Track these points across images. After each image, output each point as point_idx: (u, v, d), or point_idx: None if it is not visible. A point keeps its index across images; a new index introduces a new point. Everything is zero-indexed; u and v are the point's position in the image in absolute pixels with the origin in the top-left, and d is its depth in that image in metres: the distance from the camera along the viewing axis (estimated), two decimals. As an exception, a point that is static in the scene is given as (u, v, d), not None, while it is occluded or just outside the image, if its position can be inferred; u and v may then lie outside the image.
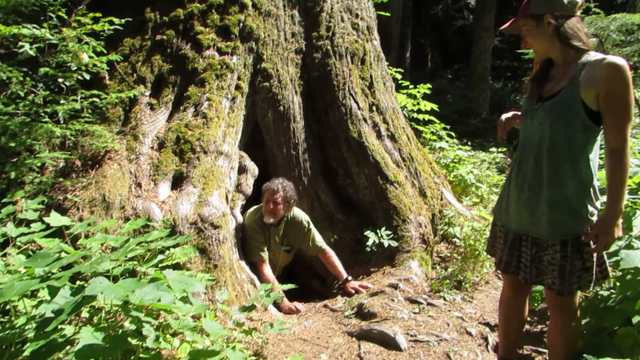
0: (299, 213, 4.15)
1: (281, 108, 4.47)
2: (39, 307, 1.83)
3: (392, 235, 4.33)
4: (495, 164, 7.80)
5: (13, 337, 1.75)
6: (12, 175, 3.12)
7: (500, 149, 8.44)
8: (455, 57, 20.75)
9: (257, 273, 3.85)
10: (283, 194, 3.88)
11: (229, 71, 4.25)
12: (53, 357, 1.65)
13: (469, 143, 9.19)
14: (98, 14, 3.62)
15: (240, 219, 3.96)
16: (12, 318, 2.05)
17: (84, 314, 2.41)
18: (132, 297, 1.71)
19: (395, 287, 3.87)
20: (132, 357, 2.05)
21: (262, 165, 4.48)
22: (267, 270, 3.90)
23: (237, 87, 4.31)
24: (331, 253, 4.19)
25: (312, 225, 4.16)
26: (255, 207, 4.07)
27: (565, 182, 2.14)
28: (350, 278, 4.08)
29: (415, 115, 6.98)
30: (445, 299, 3.79)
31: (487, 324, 3.46)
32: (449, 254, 4.58)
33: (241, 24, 4.39)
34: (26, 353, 1.80)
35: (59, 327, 2.15)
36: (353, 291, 3.95)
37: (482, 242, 4.24)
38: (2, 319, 2.29)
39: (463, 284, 4.05)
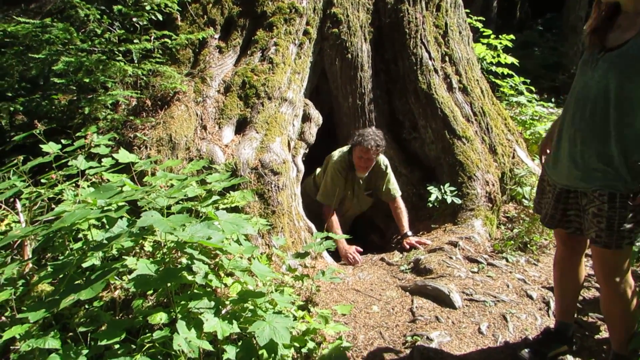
0: (380, 156, 4.12)
1: (349, 56, 4.39)
2: (97, 235, 1.95)
3: (456, 192, 4.22)
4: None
5: (74, 261, 1.89)
6: (87, 110, 3.30)
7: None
8: (547, 5, 19.28)
9: (318, 218, 3.92)
10: (376, 150, 3.87)
11: (297, 15, 4.20)
12: (109, 278, 1.77)
13: (553, 99, 8.65)
14: (171, -46, 3.67)
15: (301, 167, 4.00)
16: (77, 247, 2.21)
17: (147, 247, 2.56)
18: (181, 233, 1.79)
19: (454, 244, 3.81)
20: (188, 292, 2.17)
21: (327, 114, 4.47)
22: (334, 216, 4.00)
23: (305, 33, 4.26)
24: (401, 204, 4.18)
25: (389, 170, 4.16)
26: (345, 150, 4.07)
27: (621, 137, 2.01)
28: (410, 233, 4.05)
29: (493, 68, 6.62)
30: (507, 260, 3.68)
31: (551, 289, 3.33)
32: (516, 215, 4.42)
33: (312, -34, 4.29)
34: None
35: (123, 257, 2.31)
36: (409, 247, 3.93)
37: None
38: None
39: (529, 246, 3.91)
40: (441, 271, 3.43)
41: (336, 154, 4.07)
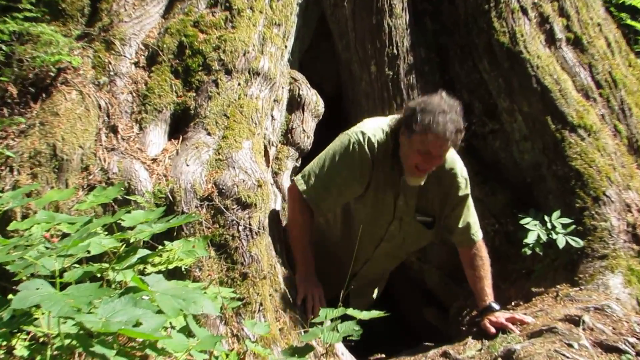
0: (452, 156, 3.93)
1: (368, -10, 4.51)
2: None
3: (573, 226, 4.27)
4: None
5: None
6: None
7: None
8: None
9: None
10: (455, 139, 3.58)
11: None
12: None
13: None
14: None
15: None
16: None
17: (20, 350, 2.60)
18: (87, 317, 1.83)
19: (576, 322, 3.83)
20: None
21: (332, 96, 4.54)
22: (308, 221, 3.85)
23: (287, -47, 4.38)
24: (484, 253, 4.06)
25: (469, 187, 3.98)
26: (385, 127, 3.81)
27: None
28: (496, 306, 4.08)
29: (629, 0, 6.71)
30: (673, 347, 3.71)
31: None
32: (683, 264, 4.45)
33: None
34: None
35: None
36: (493, 329, 3.96)
37: None
38: None
39: None
40: (554, 370, 3.46)
41: (367, 126, 3.82)
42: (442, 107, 3.49)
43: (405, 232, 4.02)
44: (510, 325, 3.92)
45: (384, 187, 3.81)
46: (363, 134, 3.70)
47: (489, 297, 4.02)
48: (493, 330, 3.92)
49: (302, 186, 3.76)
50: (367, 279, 4.06)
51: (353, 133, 3.73)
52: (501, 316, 3.97)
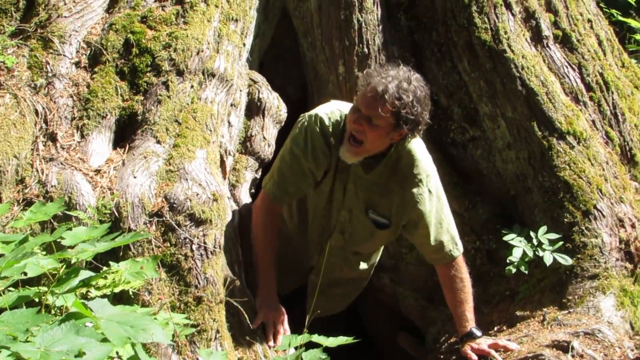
0: (418, 154, 3.86)
1: (334, -20, 4.55)
2: None
3: (561, 242, 4.32)
4: None
5: None
6: None
7: None
8: None
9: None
10: (389, 115, 3.42)
11: None
12: None
13: None
14: None
15: (248, 208, 4.08)
16: None
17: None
18: (24, 347, 1.85)
19: (564, 348, 3.89)
20: None
21: (295, 99, 4.57)
22: (273, 223, 3.92)
23: (245, -61, 4.42)
24: (462, 267, 4.05)
25: (441, 197, 3.97)
26: (341, 104, 3.88)
27: None
28: (478, 332, 4.11)
29: (620, -7, 6.82)
30: (668, 373, 3.78)
31: None
32: (681, 283, 4.53)
33: None
34: None
35: None
36: (475, 357, 4.00)
37: None
38: None
39: None
40: (541, 402, 3.51)
41: (322, 108, 3.89)
42: (394, 74, 3.48)
43: (355, 226, 4.02)
44: (493, 352, 3.96)
45: (339, 173, 3.82)
46: (316, 116, 3.75)
47: (470, 323, 4.05)
48: (474, 358, 3.95)
49: (267, 185, 3.87)
50: (328, 277, 3.96)
51: (306, 115, 3.79)
52: (483, 343, 4.01)
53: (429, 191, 3.85)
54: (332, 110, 3.77)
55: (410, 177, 3.79)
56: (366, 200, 3.90)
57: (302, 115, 3.86)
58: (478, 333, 4.04)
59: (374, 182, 3.80)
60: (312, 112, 3.78)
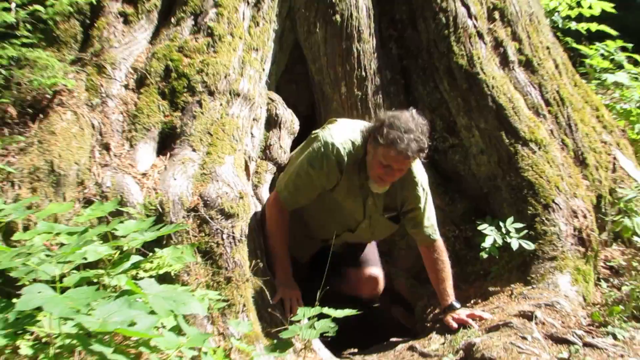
0: (416, 167, 3.91)
1: (337, 18, 4.54)
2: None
3: (525, 231, 4.32)
4: None
5: None
6: None
7: None
8: None
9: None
10: (413, 159, 3.62)
11: (250, -43, 4.37)
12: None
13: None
14: None
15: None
16: None
17: (25, 349, 2.61)
18: (86, 318, 1.86)
19: (529, 317, 3.88)
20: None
21: (306, 115, 4.58)
22: (284, 223, 3.90)
23: (264, -16, 4.42)
24: (443, 254, 4.09)
25: (427, 191, 3.99)
26: (355, 126, 3.86)
27: None
28: (457, 304, 4.11)
29: (573, 25, 6.78)
30: (615, 337, 3.76)
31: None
32: (624, 263, 4.51)
33: None
34: None
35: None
36: (456, 324, 4.00)
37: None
38: None
39: (649, 313, 4.01)
40: (510, 361, 3.50)
41: (338, 133, 3.81)
42: (408, 126, 3.50)
43: (374, 227, 4.08)
44: (470, 321, 3.96)
45: (354, 189, 3.85)
46: (333, 145, 3.71)
47: (451, 297, 4.07)
48: (455, 325, 3.96)
49: (282, 192, 3.84)
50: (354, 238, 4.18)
51: (324, 143, 3.74)
52: (462, 313, 4.02)
53: (423, 189, 3.90)
54: (345, 140, 3.74)
55: (409, 180, 3.83)
56: (381, 206, 3.95)
57: (315, 132, 3.88)
58: (457, 305, 4.06)
59: (386, 192, 3.82)
60: (330, 139, 3.73)
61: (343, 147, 3.71)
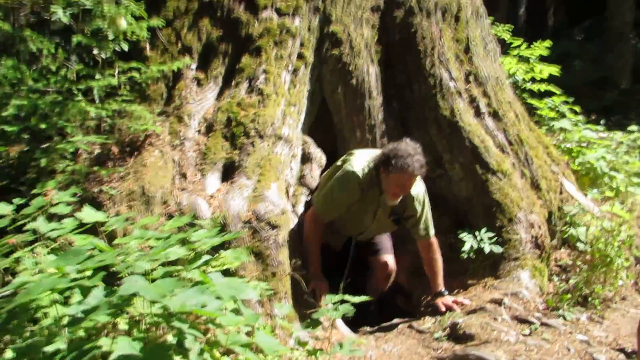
0: (416, 182, 3.83)
1: (354, 81, 4.53)
2: (69, 308, 2.00)
3: (495, 238, 4.27)
4: (637, 147, 7.41)
5: (42, 344, 1.93)
6: (43, 162, 3.39)
7: (645, 128, 8.02)
8: (586, 11, 19.85)
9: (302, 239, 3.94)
10: (422, 173, 3.67)
11: (289, 37, 4.37)
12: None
13: (602, 122, 8.79)
14: (137, -26, 3.84)
15: (303, 218, 4.07)
16: (43, 325, 2.24)
17: (122, 325, 2.60)
18: (171, 301, 1.83)
19: (499, 303, 3.84)
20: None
21: (330, 151, 4.56)
22: (319, 233, 3.92)
23: (300, 57, 4.42)
24: (436, 248, 4.07)
25: (426, 197, 3.96)
26: (370, 164, 3.80)
27: None
28: (445, 292, 4.07)
29: (528, 85, 6.77)
30: (565, 319, 3.70)
31: (622, 350, 3.35)
32: (570, 262, 4.45)
33: (304, -22, 4.50)
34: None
35: (94, 338, 2.34)
36: (444, 308, 3.94)
37: (615, 246, 4.09)
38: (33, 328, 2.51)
39: (590, 299, 3.94)
40: (485, 336, 3.44)
41: (357, 164, 3.82)
42: (408, 151, 3.57)
43: (379, 228, 4.12)
44: (454, 305, 3.93)
45: (369, 202, 3.88)
46: (354, 173, 3.76)
47: (441, 286, 4.08)
48: (443, 308, 3.96)
49: (318, 209, 3.90)
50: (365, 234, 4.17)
51: (347, 172, 3.80)
52: (448, 299, 4.03)
53: (419, 201, 3.90)
54: (363, 167, 3.79)
55: (410, 195, 3.84)
56: (387, 213, 3.96)
57: (340, 161, 3.97)
58: (445, 292, 4.06)
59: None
60: (351, 169, 3.78)
61: (362, 172, 3.76)
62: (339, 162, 4.00)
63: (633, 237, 4.30)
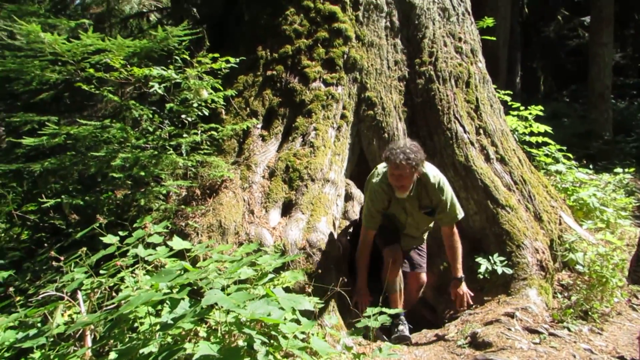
0: (428, 169, 3.65)
1: (385, 135, 4.48)
2: (161, 317, 1.96)
3: (505, 262, 4.09)
4: (623, 187, 7.12)
5: (138, 347, 1.89)
6: (142, 202, 3.43)
7: (627, 170, 7.70)
8: (571, 77, 19.53)
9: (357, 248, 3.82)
10: (409, 169, 3.38)
11: (334, 101, 4.37)
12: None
13: (591, 166, 8.50)
14: (216, 54, 3.94)
15: (347, 245, 3.99)
16: (140, 332, 2.22)
17: (202, 333, 2.55)
18: (243, 310, 1.79)
19: (511, 316, 3.65)
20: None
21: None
22: (368, 248, 3.76)
23: (343, 116, 4.41)
24: (458, 241, 3.84)
25: (447, 187, 3.69)
26: (382, 165, 3.70)
27: None
28: (462, 277, 3.85)
29: (527, 138, 6.62)
30: (569, 330, 3.48)
31: (622, 358, 3.12)
32: (571, 282, 4.22)
33: (345, 56, 4.52)
34: (151, 362, 1.93)
35: (179, 343, 2.30)
36: (456, 294, 3.81)
37: (610, 268, 3.86)
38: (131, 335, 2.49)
39: (590, 314, 3.71)
40: (501, 344, 3.26)
41: (374, 172, 3.76)
42: (399, 146, 3.43)
43: (417, 221, 3.85)
44: (464, 298, 3.86)
45: (398, 201, 3.69)
46: (371, 181, 3.73)
47: (459, 271, 3.86)
48: (458, 293, 3.87)
49: (364, 222, 3.76)
50: (410, 235, 3.94)
51: (371, 182, 3.72)
52: (463, 286, 3.86)
53: (441, 189, 3.66)
54: (379, 172, 3.70)
55: (430, 184, 3.62)
56: (417, 206, 3.74)
57: (371, 182, 3.74)
58: (461, 277, 3.88)
59: (415, 196, 3.66)
60: (374, 180, 3.69)
61: (377, 177, 3.68)
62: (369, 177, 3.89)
63: (625, 261, 4.06)
